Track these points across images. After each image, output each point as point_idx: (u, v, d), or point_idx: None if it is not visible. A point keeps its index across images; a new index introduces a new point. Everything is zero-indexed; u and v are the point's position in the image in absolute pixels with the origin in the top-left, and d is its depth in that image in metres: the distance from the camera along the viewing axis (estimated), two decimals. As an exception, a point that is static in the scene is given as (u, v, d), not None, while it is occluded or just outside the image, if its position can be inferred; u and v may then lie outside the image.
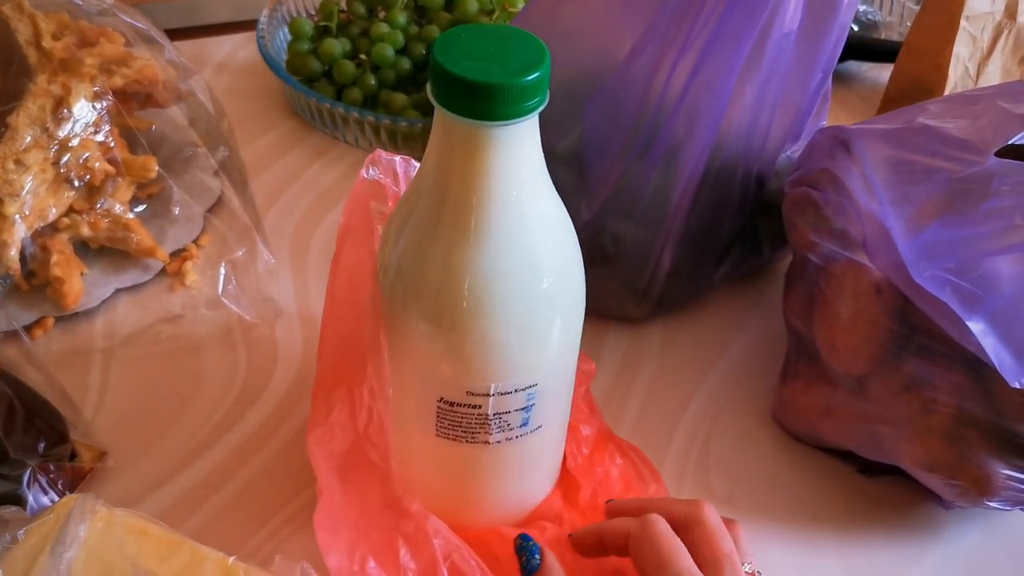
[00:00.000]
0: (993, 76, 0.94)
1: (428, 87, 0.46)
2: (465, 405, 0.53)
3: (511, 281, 0.49)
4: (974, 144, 0.58)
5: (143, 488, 0.65)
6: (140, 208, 0.81)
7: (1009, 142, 0.58)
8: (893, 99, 1.02)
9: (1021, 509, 0.62)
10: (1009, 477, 0.59)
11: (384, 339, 0.54)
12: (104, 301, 0.77)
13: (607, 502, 0.60)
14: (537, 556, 0.55)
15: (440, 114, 0.46)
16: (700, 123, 0.68)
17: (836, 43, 0.71)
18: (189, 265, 0.81)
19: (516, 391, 0.53)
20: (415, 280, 0.50)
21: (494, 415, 0.53)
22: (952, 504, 0.65)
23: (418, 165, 0.62)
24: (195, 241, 0.83)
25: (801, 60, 0.70)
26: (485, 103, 0.44)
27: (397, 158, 0.63)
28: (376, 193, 0.62)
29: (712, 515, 0.54)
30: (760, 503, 0.69)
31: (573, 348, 0.56)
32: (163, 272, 0.80)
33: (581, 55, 0.71)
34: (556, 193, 0.51)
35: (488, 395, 0.52)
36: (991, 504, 0.60)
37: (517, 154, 0.47)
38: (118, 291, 0.78)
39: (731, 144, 0.72)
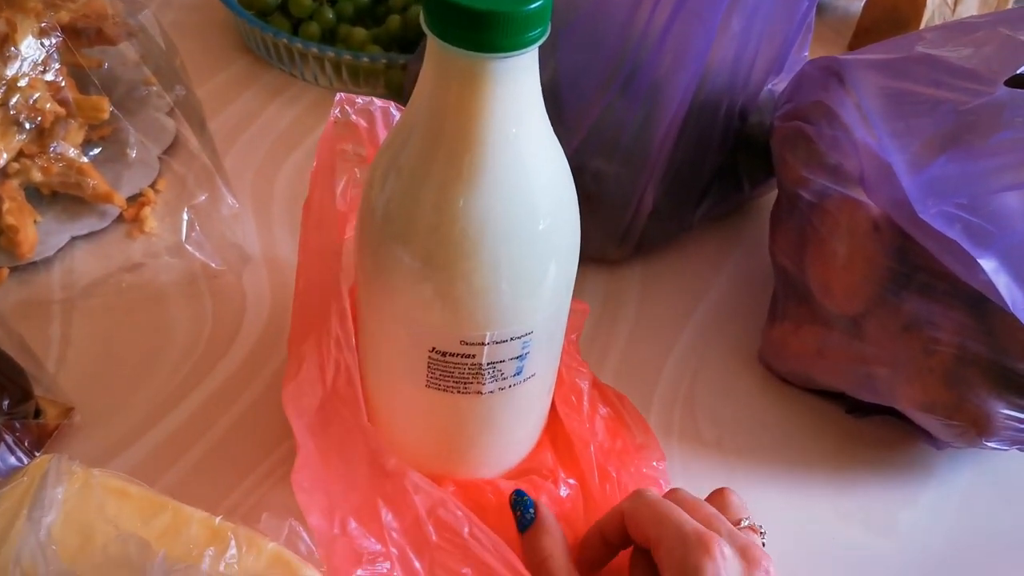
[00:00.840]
0: (971, 3, 0.93)
1: (421, 16, 0.43)
2: (458, 355, 0.50)
3: (508, 222, 0.46)
4: (980, 74, 0.56)
5: (113, 444, 0.62)
6: (94, 151, 0.77)
7: (1019, 71, 0.56)
8: (866, 29, 1.01)
9: (1019, 449, 0.61)
10: (1009, 417, 0.57)
11: (365, 287, 0.52)
12: (60, 250, 0.73)
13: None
14: (531, 510, 0.55)
15: (434, 46, 0.43)
16: (687, 55, 0.65)
17: (825, -32, 0.69)
18: (148, 211, 0.77)
19: (512, 339, 0.50)
20: (405, 223, 0.47)
21: (488, 364, 0.51)
22: (945, 444, 0.64)
23: (398, 116, 0.59)
24: (152, 185, 0.79)
25: (789, -14, 0.68)
26: (486, 33, 0.41)
27: (377, 102, 0.59)
28: (351, 135, 0.59)
29: (686, 494, 0.52)
30: (749, 447, 0.68)
31: (567, 292, 0.54)
32: (120, 219, 0.77)
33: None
34: (552, 131, 0.48)
35: (483, 344, 0.50)
36: (989, 444, 0.59)
37: (517, 89, 0.44)
38: (74, 239, 0.74)
39: (716, 77, 0.69)
